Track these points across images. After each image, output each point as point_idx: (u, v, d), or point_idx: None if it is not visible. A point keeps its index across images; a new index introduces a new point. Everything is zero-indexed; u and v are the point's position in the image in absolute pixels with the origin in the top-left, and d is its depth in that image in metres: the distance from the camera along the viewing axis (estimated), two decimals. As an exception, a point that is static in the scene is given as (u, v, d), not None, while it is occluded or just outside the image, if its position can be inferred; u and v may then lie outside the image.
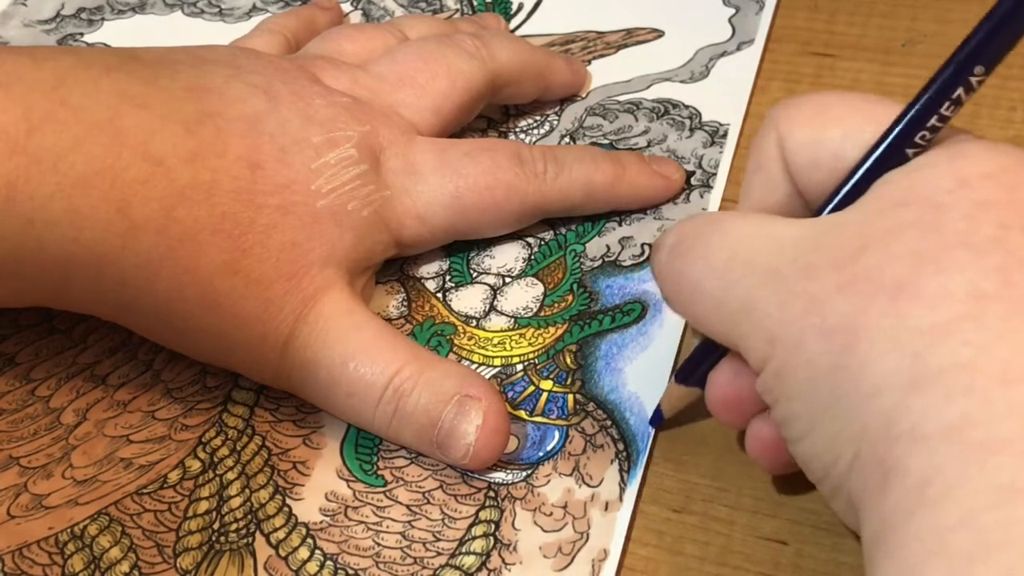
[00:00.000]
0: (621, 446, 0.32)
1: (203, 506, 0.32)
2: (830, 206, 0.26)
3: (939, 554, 0.20)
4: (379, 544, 0.30)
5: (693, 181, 0.38)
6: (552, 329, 0.35)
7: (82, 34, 0.46)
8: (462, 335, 0.35)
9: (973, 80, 0.25)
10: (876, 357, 0.22)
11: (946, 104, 0.25)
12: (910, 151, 0.25)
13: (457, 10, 0.46)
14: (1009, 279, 0.22)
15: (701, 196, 0.37)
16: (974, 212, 0.23)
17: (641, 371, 0.33)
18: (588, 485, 0.31)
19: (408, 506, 0.31)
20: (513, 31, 0.45)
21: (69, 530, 0.31)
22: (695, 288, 0.27)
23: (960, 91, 0.25)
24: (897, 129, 0.25)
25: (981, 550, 0.19)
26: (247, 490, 0.32)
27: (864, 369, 0.22)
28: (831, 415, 0.23)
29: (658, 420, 0.32)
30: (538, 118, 0.41)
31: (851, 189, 0.26)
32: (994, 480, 0.20)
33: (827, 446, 0.24)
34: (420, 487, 0.31)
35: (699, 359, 0.29)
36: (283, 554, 0.30)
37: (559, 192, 0.36)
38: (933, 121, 0.25)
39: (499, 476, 0.31)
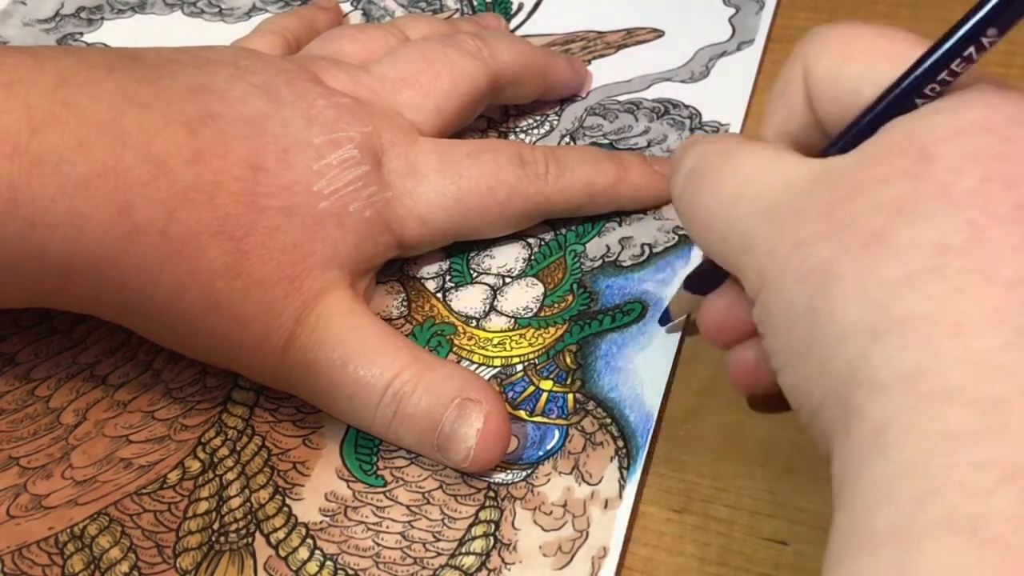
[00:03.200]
0: (621, 443, 0.32)
1: (203, 506, 0.32)
2: (836, 147, 0.27)
3: (889, 499, 0.20)
4: (379, 544, 0.30)
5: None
6: (552, 329, 0.35)
7: (82, 33, 0.46)
8: (462, 335, 0.35)
9: (985, 41, 0.25)
10: (845, 304, 0.23)
11: (957, 61, 0.25)
12: (919, 101, 0.25)
13: (457, 10, 0.46)
14: (978, 234, 0.22)
15: (701, 196, 0.37)
16: (960, 164, 0.23)
17: (641, 369, 0.33)
18: (588, 483, 0.31)
19: (408, 506, 0.31)
20: (513, 31, 0.45)
21: (69, 530, 0.31)
22: (704, 218, 0.28)
23: (972, 50, 0.25)
24: (908, 80, 0.25)
25: (925, 494, 0.20)
26: (247, 490, 0.32)
27: (834, 315, 0.23)
28: (805, 354, 0.24)
29: (666, 320, 0.34)
30: (538, 118, 0.41)
31: (858, 132, 0.26)
32: (942, 428, 0.20)
33: (801, 382, 0.24)
34: (420, 487, 0.31)
35: (706, 273, 0.31)
36: (283, 554, 0.30)
37: (561, 193, 0.36)
38: (943, 75, 0.25)
39: (499, 476, 0.31)
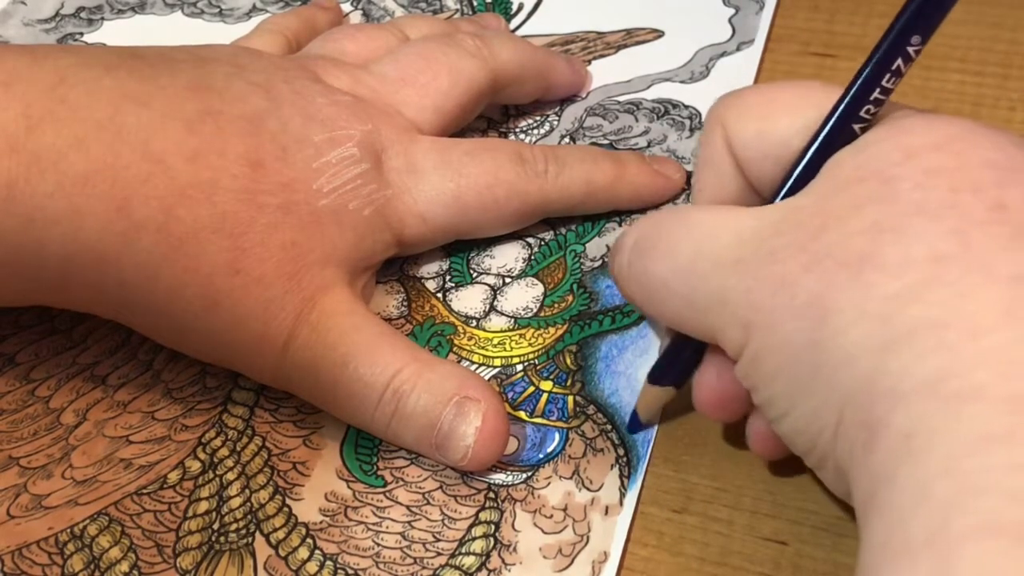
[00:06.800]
0: (621, 451, 0.32)
1: (203, 506, 0.32)
2: (783, 191, 0.27)
3: (924, 503, 0.20)
4: (379, 544, 0.30)
5: (692, 181, 0.38)
6: (552, 329, 0.35)
7: (82, 34, 0.46)
8: (462, 335, 0.35)
9: (911, 50, 0.26)
10: (848, 326, 0.23)
11: (887, 76, 0.26)
12: (857, 127, 0.26)
13: (457, 10, 0.46)
14: (965, 240, 0.23)
15: (701, 195, 0.37)
16: (924, 180, 0.24)
17: (642, 376, 0.33)
18: (588, 489, 0.31)
19: (408, 506, 0.31)
20: (513, 31, 0.45)
21: (69, 530, 0.31)
22: (663, 287, 0.28)
23: (899, 62, 0.26)
24: (842, 106, 0.26)
25: (963, 496, 0.20)
26: (247, 490, 0.32)
27: (837, 339, 0.23)
28: (811, 389, 0.24)
29: (636, 426, 0.32)
30: (538, 118, 0.41)
31: (802, 172, 0.27)
32: (972, 428, 0.20)
33: (810, 419, 0.24)
34: (420, 488, 0.31)
35: (671, 358, 0.30)
36: (283, 554, 0.30)
37: (560, 192, 0.36)
38: (876, 94, 0.26)
39: (499, 478, 0.31)
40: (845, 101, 0.26)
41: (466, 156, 0.35)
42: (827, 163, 0.26)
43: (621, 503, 0.30)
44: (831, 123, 0.26)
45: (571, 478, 0.31)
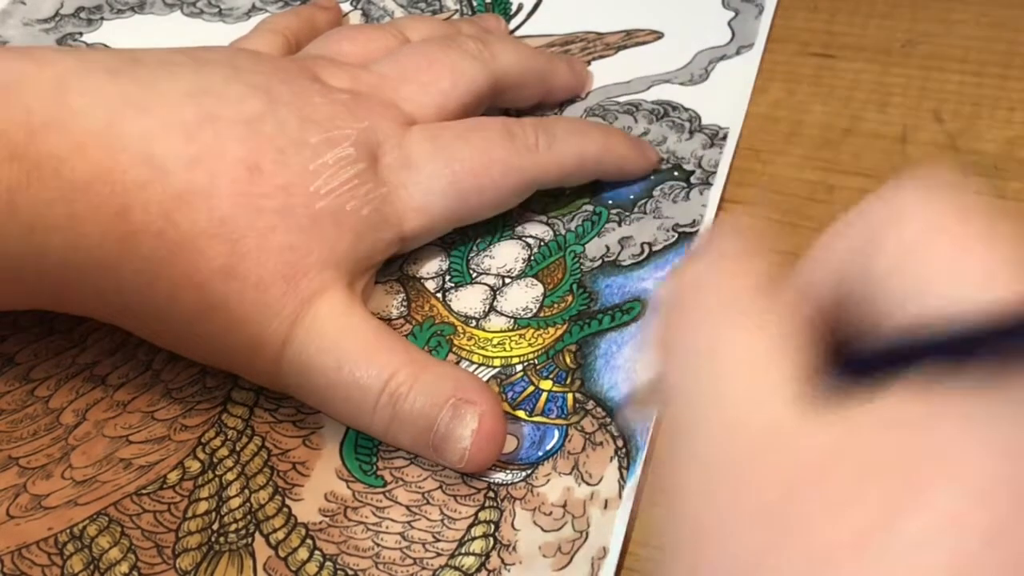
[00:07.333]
0: (620, 443, 0.32)
1: (202, 507, 0.31)
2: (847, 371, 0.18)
3: None
4: (379, 545, 0.30)
5: (693, 180, 0.38)
6: (552, 330, 0.35)
7: (81, 33, 0.46)
8: (462, 335, 0.35)
9: None
10: None
11: None
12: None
13: (456, 10, 0.46)
14: None
15: (701, 193, 0.37)
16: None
17: (641, 368, 0.33)
18: (587, 483, 0.31)
19: (407, 507, 0.31)
20: (513, 31, 0.45)
21: (68, 531, 0.31)
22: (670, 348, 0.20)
23: None
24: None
25: None
26: (247, 491, 0.32)
27: None
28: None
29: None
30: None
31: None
32: None
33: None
34: (419, 487, 0.31)
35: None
36: (283, 555, 0.30)
37: (554, 163, 0.36)
38: None
39: (499, 476, 0.31)
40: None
41: (457, 140, 0.35)
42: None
43: (620, 496, 0.30)
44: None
45: (570, 473, 0.31)
